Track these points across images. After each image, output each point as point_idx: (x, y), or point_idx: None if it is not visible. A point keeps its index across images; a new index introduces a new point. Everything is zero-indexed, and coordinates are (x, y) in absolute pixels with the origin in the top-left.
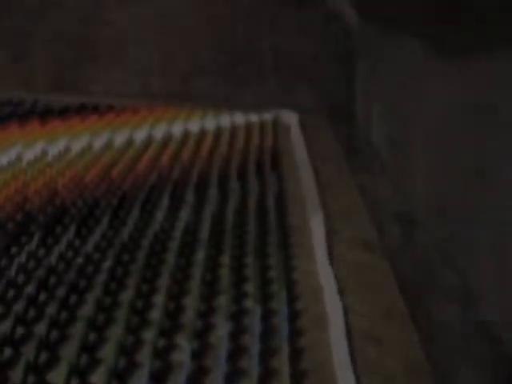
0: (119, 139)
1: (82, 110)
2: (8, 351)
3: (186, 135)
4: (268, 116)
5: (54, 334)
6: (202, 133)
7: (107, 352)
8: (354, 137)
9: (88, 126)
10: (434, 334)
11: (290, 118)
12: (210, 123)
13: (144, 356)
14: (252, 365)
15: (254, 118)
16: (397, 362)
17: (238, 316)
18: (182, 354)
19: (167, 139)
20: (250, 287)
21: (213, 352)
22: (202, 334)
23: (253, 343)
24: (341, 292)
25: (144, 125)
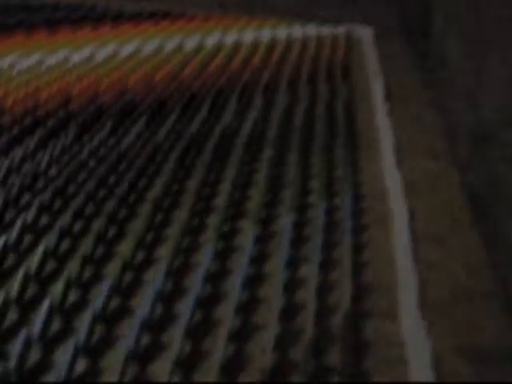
0: (190, 44)
1: (154, 16)
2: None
3: (256, 43)
4: (341, 30)
5: (123, 212)
6: (273, 42)
7: (172, 231)
8: (429, 54)
9: (159, 30)
10: (497, 244)
11: (364, 33)
12: (282, 33)
13: (208, 238)
14: (314, 253)
15: (326, 30)
16: (459, 264)
17: (302, 209)
18: (245, 239)
19: (238, 46)
20: (315, 184)
21: (276, 239)
22: (265, 222)
23: (315, 234)
24: (407, 195)
25: (215, 32)
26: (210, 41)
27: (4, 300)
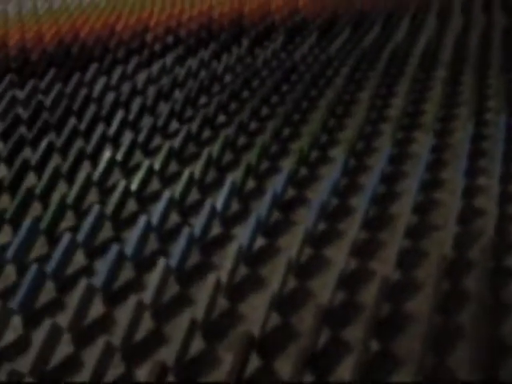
0: None
1: None
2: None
3: None
4: None
5: (296, 116)
6: None
7: (346, 135)
8: None
9: None
10: None
11: None
12: None
13: (382, 143)
14: (493, 166)
15: None
16: None
17: (480, 124)
18: (420, 147)
19: None
20: (492, 103)
21: (452, 150)
22: (441, 135)
23: (495, 147)
24: None
25: None
26: None
27: (188, 180)
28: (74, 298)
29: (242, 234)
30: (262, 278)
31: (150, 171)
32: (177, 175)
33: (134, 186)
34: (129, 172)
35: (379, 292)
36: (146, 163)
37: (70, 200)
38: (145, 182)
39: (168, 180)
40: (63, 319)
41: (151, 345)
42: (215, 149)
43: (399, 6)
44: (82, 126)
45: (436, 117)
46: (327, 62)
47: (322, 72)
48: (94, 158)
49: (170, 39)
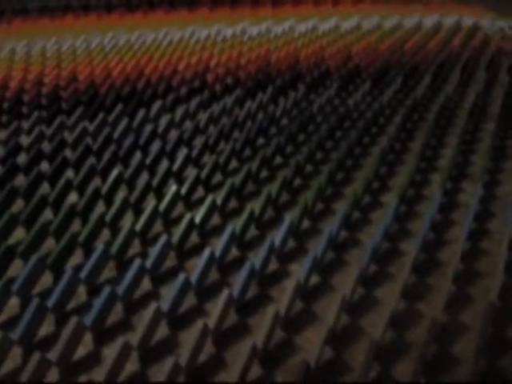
0: (409, 22)
1: None
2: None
3: (476, 27)
4: None
5: (350, 161)
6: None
7: (398, 182)
8: None
9: (379, 10)
10: None
11: None
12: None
13: (432, 191)
14: None
15: None
16: None
17: None
18: (469, 197)
19: (457, 28)
20: None
21: (500, 201)
22: (488, 186)
23: None
24: None
25: (436, 14)
26: (428, 22)
27: (248, 216)
28: (141, 320)
29: (299, 270)
30: (317, 313)
31: (213, 206)
32: (237, 211)
33: (197, 219)
34: (191, 205)
35: (428, 332)
36: (209, 198)
37: (138, 228)
38: (207, 216)
39: (229, 215)
40: (130, 338)
41: (212, 368)
42: (273, 188)
43: (448, 58)
44: (148, 161)
45: (485, 168)
46: (379, 110)
47: (375, 120)
48: (159, 190)
49: (229, 80)
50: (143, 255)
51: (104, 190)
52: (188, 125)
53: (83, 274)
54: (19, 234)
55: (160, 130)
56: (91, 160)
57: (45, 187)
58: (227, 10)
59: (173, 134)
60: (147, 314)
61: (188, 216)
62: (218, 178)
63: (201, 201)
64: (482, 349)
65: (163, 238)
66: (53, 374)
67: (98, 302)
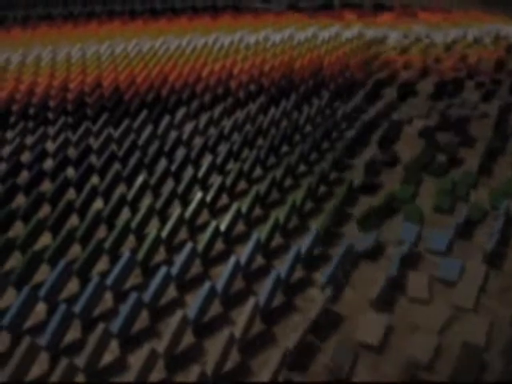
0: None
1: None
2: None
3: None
4: None
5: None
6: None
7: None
8: None
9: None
10: None
11: None
12: None
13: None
14: None
15: None
16: None
17: None
18: None
19: (479, 40)
20: None
21: None
22: None
23: None
24: None
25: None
26: (453, 34)
27: (273, 224)
28: (167, 327)
29: (322, 278)
30: (345, 320)
31: (238, 214)
32: (261, 219)
33: (223, 227)
34: (216, 213)
35: None
36: (234, 206)
37: (163, 235)
38: (233, 224)
39: (253, 223)
40: (156, 346)
41: (238, 377)
42: (298, 196)
43: (467, 76)
44: (173, 167)
45: None
46: (399, 122)
47: (398, 130)
48: (184, 198)
49: (253, 87)
50: (169, 262)
51: (129, 196)
52: (212, 131)
53: (109, 281)
54: (46, 239)
55: (184, 136)
56: (116, 166)
57: (71, 193)
58: (250, 18)
59: (197, 141)
60: (173, 321)
61: (213, 223)
62: (242, 185)
63: (225, 208)
64: None
65: (189, 246)
66: (80, 380)
67: (124, 309)
